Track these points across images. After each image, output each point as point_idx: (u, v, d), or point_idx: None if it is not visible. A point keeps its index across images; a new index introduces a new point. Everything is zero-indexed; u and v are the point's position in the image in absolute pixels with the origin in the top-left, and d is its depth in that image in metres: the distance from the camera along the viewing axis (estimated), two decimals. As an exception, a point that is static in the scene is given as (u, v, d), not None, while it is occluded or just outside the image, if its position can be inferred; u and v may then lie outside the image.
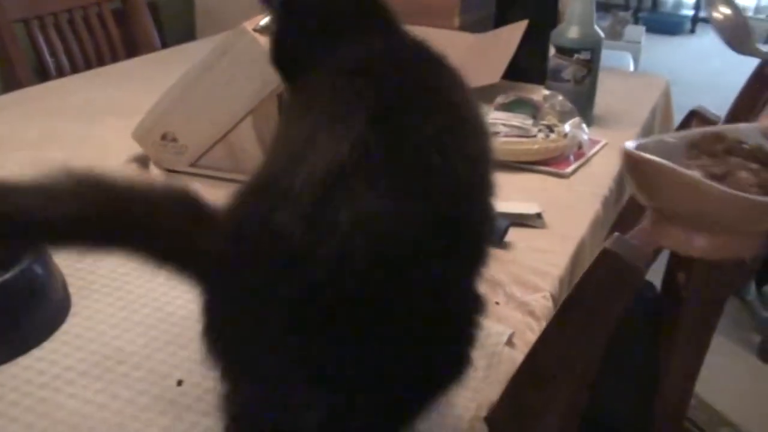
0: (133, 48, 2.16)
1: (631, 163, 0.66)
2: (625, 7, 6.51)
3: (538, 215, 1.23)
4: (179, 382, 0.84)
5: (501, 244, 1.15)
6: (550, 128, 1.46)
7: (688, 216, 0.64)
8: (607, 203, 1.34)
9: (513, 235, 1.16)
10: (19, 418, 0.78)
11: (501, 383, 0.83)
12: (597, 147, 1.53)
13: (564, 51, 1.58)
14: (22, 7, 1.93)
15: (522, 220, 1.21)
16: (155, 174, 1.34)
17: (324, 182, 0.59)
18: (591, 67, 1.58)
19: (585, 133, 1.49)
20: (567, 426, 0.79)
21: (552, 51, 1.60)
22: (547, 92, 1.59)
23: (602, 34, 1.59)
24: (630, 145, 0.67)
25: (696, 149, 0.69)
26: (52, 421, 0.78)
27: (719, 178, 0.64)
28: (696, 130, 0.71)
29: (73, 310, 0.96)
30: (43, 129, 1.55)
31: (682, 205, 0.64)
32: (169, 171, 1.35)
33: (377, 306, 0.60)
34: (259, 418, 0.65)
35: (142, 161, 1.38)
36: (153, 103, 1.33)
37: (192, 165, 1.34)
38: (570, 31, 1.57)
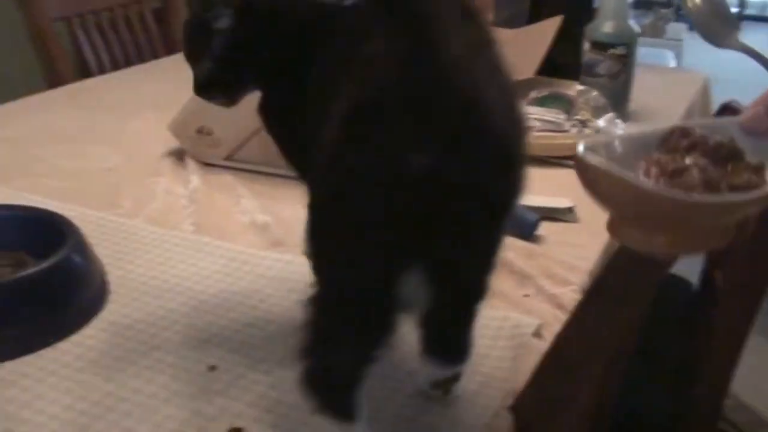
0: (171, 46, 2.20)
1: (578, 165, 0.64)
2: (667, 4, 6.44)
3: (570, 209, 1.23)
4: (211, 368, 0.85)
5: (532, 237, 1.15)
6: (584, 123, 1.46)
7: (638, 216, 0.64)
8: (639, 198, 1.34)
9: (544, 228, 1.17)
10: (59, 400, 0.80)
11: (527, 374, 0.84)
12: (631, 142, 1.52)
13: (599, 46, 1.58)
14: (64, 5, 1.98)
15: (553, 215, 1.21)
16: (191, 167, 1.36)
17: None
18: (626, 62, 1.58)
19: (619, 129, 1.48)
20: (594, 419, 0.79)
21: (587, 46, 1.60)
22: (581, 87, 1.59)
23: (638, 29, 1.58)
24: (580, 146, 0.65)
25: (663, 145, 0.67)
26: (89, 403, 0.80)
27: (669, 175, 0.62)
28: (669, 125, 0.70)
29: (110, 297, 0.98)
30: (83, 123, 1.59)
31: (627, 207, 0.63)
32: (205, 164, 1.37)
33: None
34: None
35: (178, 154, 1.41)
36: (189, 98, 1.36)
37: (227, 158, 1.36)
38: (605, 26, 1.57)
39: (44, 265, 0.92)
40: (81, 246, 0.96)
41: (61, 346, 0.89)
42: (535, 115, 1.46)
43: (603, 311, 0.70)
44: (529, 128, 1.32)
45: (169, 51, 2.18)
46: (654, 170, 0.64)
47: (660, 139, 0.68)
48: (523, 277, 1.04)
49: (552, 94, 1.54)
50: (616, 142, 0.68)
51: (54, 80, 1.91)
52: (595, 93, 1.54)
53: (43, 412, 0.79)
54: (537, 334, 0.92)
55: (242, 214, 1.22)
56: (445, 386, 0.81)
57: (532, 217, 1.16)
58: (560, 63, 1.76)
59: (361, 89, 0.64)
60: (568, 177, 1.35)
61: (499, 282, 1.02)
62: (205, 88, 0.85)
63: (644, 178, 0.63)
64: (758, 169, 0.63)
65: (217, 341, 0.91)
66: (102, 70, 2.03)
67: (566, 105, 1.52)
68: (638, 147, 0.68)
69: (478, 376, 0.85)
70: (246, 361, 0.87)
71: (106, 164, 1.37)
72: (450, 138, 0.61)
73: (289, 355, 0.87)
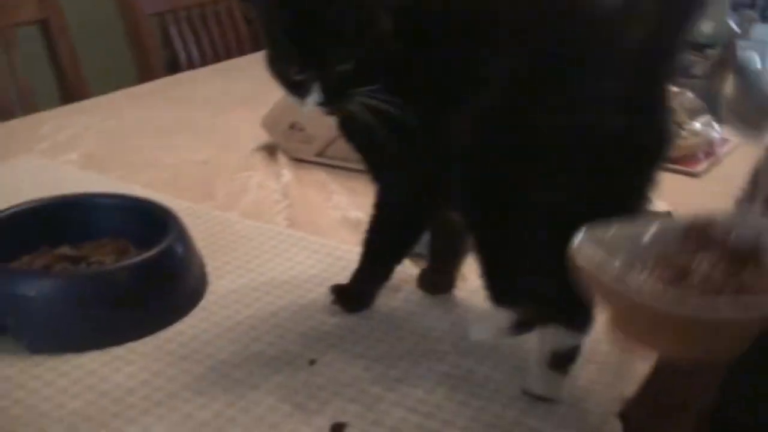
0: (259, 42, 2.22)
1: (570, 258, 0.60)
2: (752, 5, 6.26)
3: (668, 214, 1.19)
4: (311, 362, 0.86)
5: (630, 241, 1.12)
6: (680, 126, 1.42)
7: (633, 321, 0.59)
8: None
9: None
10: (163, 387, 0.82)
11: (634, 380, 0.82)
12: (729, 146, 1.48)
13: (696, 46, 1.54)
14: (158, 1, 2.01)
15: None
16: (282, 162, 1.37)
17: None
18: (723, 63, 1.53)
19: (716, 132, 1.44)
20: (702, 426, 0.77)
21: (683, 47, 1.56)
22: (676, 89, 1.55)
23: (737, 29, 1.54)
24: (579, 235, 0.61)
25: (681, 238, 0.61)
26: (193, 392, 0.81)
27: (671, 277, 0.57)
28: (691, 215, 0.63)
29: (209, 288, 1.00)
30: (175, 117, 1.62)
31: (618, 311, 0.59)
32: (297, 159, 1.38)
33: None
34: None
35: (270, 150, 1.42)
36: (281, 95, 1.36)
37: (319, 154, 1.37)
38: (703, 26, 1.53)
39: (149, 253, 0.93)
40: (183, 236, 0.98)
41: (164, 334, 0.91)
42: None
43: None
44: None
45: (256, 47, 2.21)
46: (658, 270, 0.59)
47: (680, 230, 0.63)
48: (622, 281, 1.02)
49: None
50: (629, 232, 0.63)
51: (146, 74, 1.95)
52: (690, 95, 1.50)
53: (148, 399, 0.80)
54: (640, 339, 0.89)
55: (334, 210, 1.22)
56: (562, 363, 0.80)
57: (630, 220, 1.13)
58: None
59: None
60: (667, 181, 1.32)
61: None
62: (337, 94, 0.81)
63: (641, 278, 0.59)
64: None
65: (316, 336, 0.91)
66: (191, 65, 2.06)
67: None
68: (654, 239, 0.63)
69: (582, 381, 0.84)
70: (345, 356, 0.87)
71: (200, 157, 1.39)
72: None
73: (389, 351, 0.88)
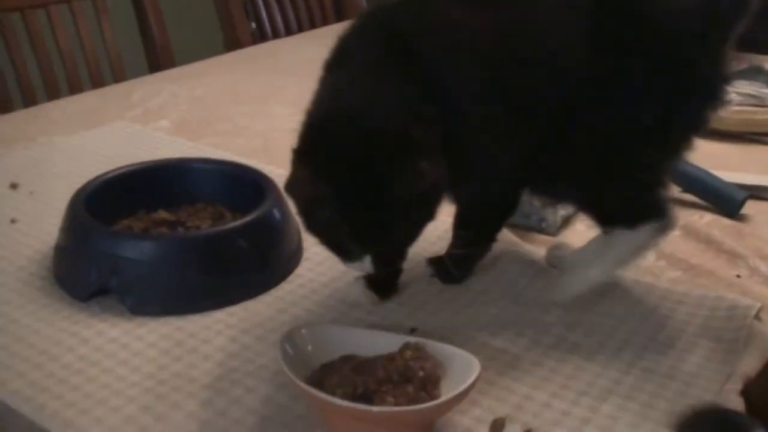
0: (341, 13, 2.20)
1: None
2: None
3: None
4: (412, 330, 0.84)
5: (738, 216, 1.08)
6: (782, 96, 1.36)
7: None
8: None
9: (751, 207, 1.09)
10: (265, 352, 0.81)
11: (754, 356, 0.78)
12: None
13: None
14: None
15: (760, 193, 1.13)
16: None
17: None
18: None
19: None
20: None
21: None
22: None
23: None
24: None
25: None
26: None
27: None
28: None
29: (305, 255, 0.99)
30: (264, 85, 1.61)
31: None
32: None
33: None
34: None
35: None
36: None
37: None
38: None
39: (248, 218, 0.93)
40: (280, 202, 0.97)
41: (264, 298, 0.90)
42: (734, 88, 1.37)
43: None
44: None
45: (339, 17, 2.19)
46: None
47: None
48: (733, 257, 0.98)
49: (752, 68, 1.44)
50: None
51: (232, 43, 1.95)
52: (796, 65, 1.44)
53: (251, 362, 0.80)
54: (756, 316, 0.85)
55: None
56: None
57: (739, 194, 1.09)
58: (758, 37, 1.65)
59: None
60: (762, 152, 1.26)
61: (707, 260, 0.97)
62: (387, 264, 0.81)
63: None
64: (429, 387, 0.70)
65: (415, 304, 0.89)
66: (276, 36, 2.05)
67: (767, 78, 1.41)
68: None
69: (694, 357, 0.80)
70: (448, 325, 0.85)
71: (290, 125, 1.37)
72: None
73: (492, 322, 0.86)
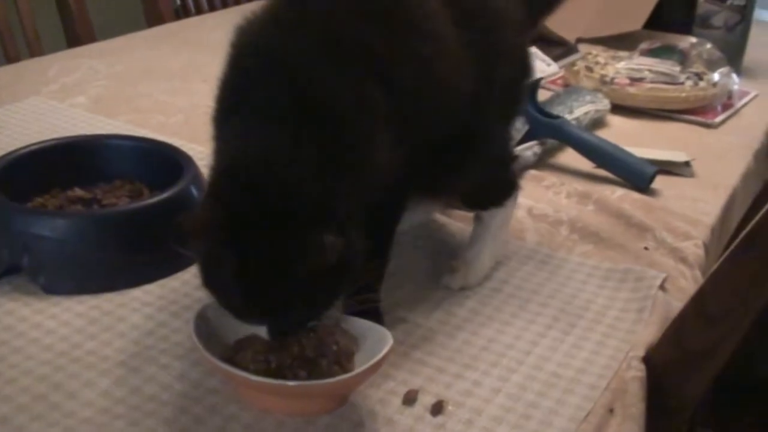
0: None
1: None
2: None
3: (687, 163, 1.18)
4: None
5: (648, 190, 1.11)
6: (699, 76, 1.40)
7: None
8: (758, 156, 1.29)
9: (660, 182, 1.13)
10: (181, 329, 0.81)
11: (656, 325, 0.81)
12: (747, 98, 1.46)
13: (716, -4, 1.51)
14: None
15: (669, 168, 1.17)
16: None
17: None
18: (745, 13, 1.50)
19: (735, 83, 1.42)
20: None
21: (702, -4, 1.53)
22: (694, 40, 1.52)
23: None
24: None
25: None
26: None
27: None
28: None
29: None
30: (186, 61, 1.59)
31: None
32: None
33: None
34: None
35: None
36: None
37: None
38: (723, -25, 1.50)
39: (164, 194, 0.92)
40: (198, 179, 0.96)
41: (181, 276, 0.90)
42: (647, 65, 1.41)
43: (753, 265, 0.67)
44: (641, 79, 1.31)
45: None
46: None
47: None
48: (642, 230, 1.01)
49: (664, 46, 1.49)
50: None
51: (154, 18, 1.91)
52: (709, 46, 1.48)
53: (167, 339, 0.79)
54: (661, 287, 0.89)
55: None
56: None
57: (649, 169, 1.12)
58: (670, 16, 1.70)
59: None
60: (681, 131, 1.32)
61: (617, 234, 1.00)
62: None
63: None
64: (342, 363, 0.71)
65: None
66: (199, 10, 2.03)
67: (679, 57, 1.46)
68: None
69: (602, 327, 0.83)
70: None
71: (212, 101, 1.37)
72: None
73: (408, 297, 0.87)
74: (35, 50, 1.71)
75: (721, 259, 0.70)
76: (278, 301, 0.68)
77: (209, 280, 0.69)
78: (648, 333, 0.80)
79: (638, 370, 0.74)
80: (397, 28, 0.74)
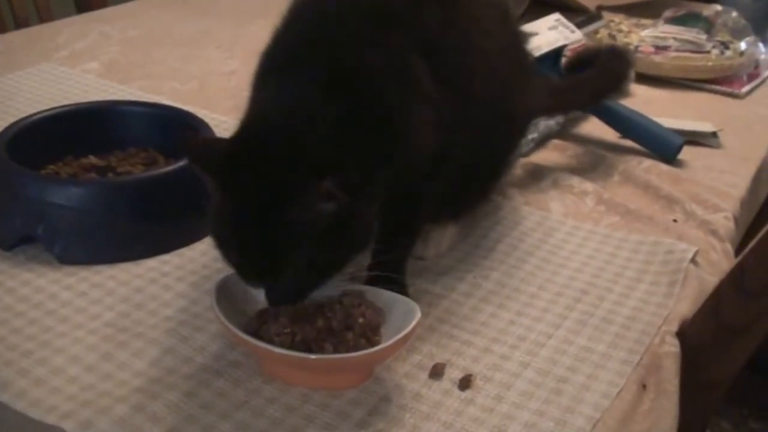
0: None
1: None
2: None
3: (714, 134, 1.15)
4: (351, 277, 0.82)
5: (675, 161, 1.08)
6: (725, 45, 1.37)
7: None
8: (787, 127, 1.26)
9: (687, 153, 1.10)
10: (200, 300, 0.79)
11: (689, 300, 0.79)
12: (774, 67, 1.42)
13: (743, -37, 1.47)
14: None
15: (696, 139, 1.14)
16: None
17: None
18: (771, -20, 1.46)
19: (762, 52, 1.39)
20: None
21: (729, -37, 1.49)
22: (719, 8, 1.48)
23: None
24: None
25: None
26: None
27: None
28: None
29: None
30: (197, 28, 1.56)
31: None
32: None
33: None
34: None
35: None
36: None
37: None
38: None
39: (179, 163, 0.89)
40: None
41: (198, 246, 0.88)
42: (672, 33, 1.37)
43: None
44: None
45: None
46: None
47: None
48: (670, 202, 0.98)
49: (690, 13, 1.45)
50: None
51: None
52: (735, 14, 1.45)
53: (186, 311, 0.77)
54: (692, 260, 0.86)
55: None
56: None
57: (676, 139, 1.09)
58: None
59: None
60: (708, 101, 1.29)
61: (645, 205, 0.97)
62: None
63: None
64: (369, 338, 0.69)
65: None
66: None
67: (705, 25, 1.42)
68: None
69: (632, 300, 0.81)
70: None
71: (226, 68, 1.34)
72: None
73: (432, 268, 0.85)
74: (45, 15, 1.68)
75: (762, 233, 0.67)
76: (273, 249, 0.64)
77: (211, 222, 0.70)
78: (681, 307, 0.78)
79: (672, 346, 0.72)
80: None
